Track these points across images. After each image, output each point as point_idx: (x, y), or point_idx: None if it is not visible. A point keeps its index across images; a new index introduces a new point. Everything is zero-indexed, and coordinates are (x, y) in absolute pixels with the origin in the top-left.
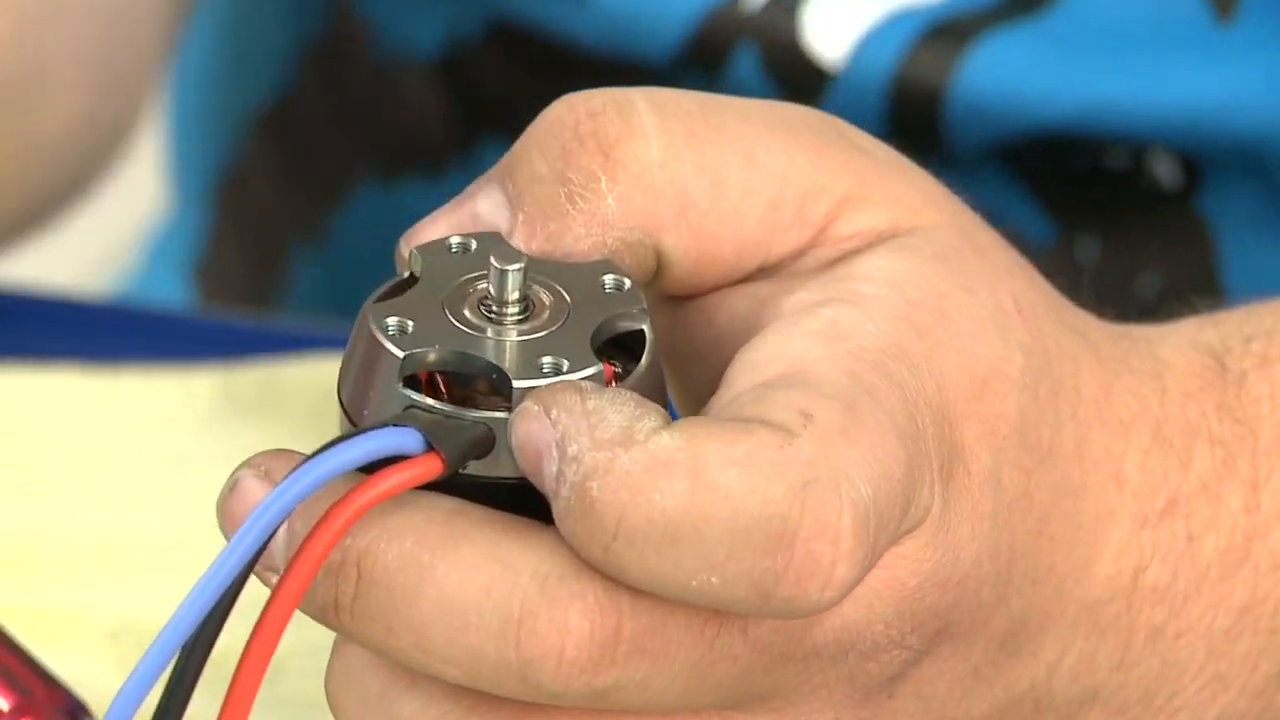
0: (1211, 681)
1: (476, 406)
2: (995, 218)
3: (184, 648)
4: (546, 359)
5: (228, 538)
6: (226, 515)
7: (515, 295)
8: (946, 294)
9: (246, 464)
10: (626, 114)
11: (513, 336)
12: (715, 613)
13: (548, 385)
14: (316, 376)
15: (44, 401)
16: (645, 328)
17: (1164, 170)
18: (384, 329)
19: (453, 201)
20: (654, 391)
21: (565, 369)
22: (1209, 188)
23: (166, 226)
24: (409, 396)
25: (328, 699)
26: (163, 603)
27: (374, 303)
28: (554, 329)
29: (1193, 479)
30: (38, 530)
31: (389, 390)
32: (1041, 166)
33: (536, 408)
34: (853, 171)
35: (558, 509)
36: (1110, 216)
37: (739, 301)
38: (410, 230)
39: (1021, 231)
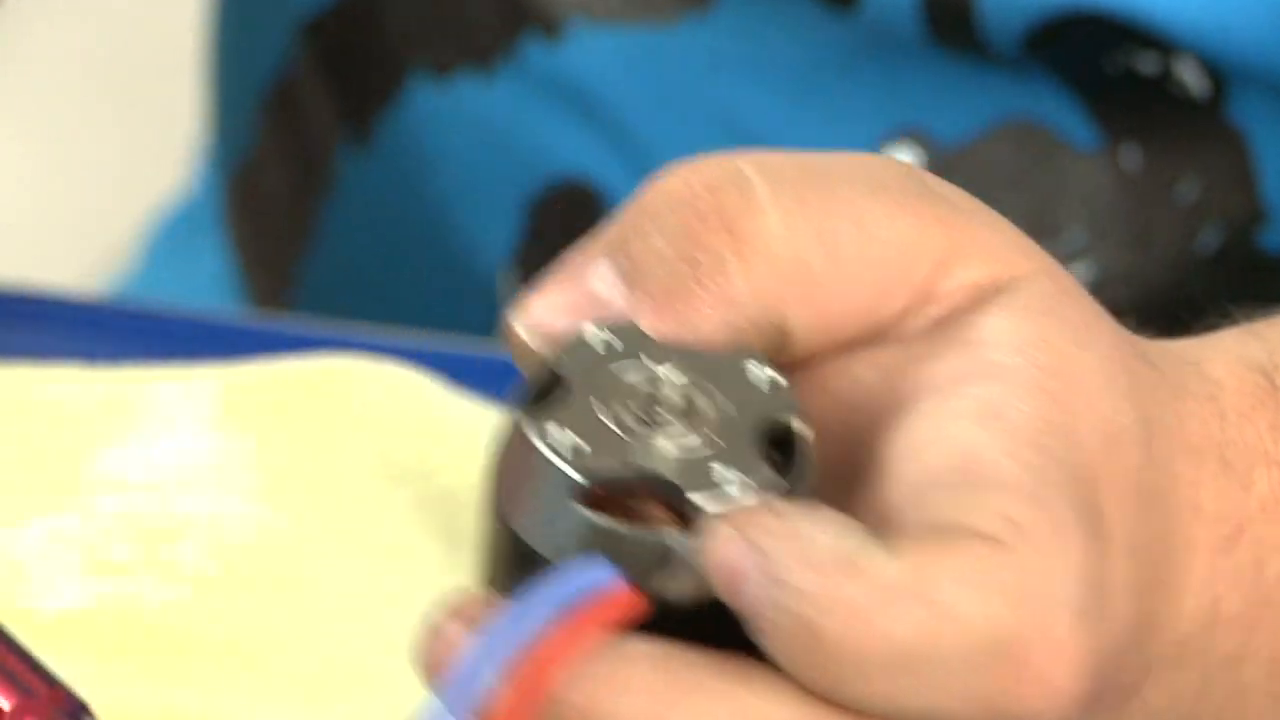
0: (1274, 703)
1: (645, 520)
2: (1041, 124)
3: None
4: (722, 473)
5: (432, 688)
6: (430, 664)
7: (676, 401)
8: (1066, 354)
9: (445, 609)
10: (743, 187)
11: (678, 447)
12: None
13: (736, 506)
14: (319, 378)
15: (44, 401)
16: (801, 425)
17: (1192, 78)
18: (553, 446)
19: (559, 275)
20: (813, 489)
21: (741, 483)
22: (1237, 98)
23: (209, 152)
24: (589, 520)
25: None
26: None
27: (531, 413)
28: (718, 436)
29: (1254, 502)
30: (43, 529)
31: (564, 511)
32: (1081, 68)
33: (732, 531)
34: (947, 226)
35: (772, 635)
36: (1148, 124)
37: (860, 371)
38: (520, 306)
39: (1067, 138)
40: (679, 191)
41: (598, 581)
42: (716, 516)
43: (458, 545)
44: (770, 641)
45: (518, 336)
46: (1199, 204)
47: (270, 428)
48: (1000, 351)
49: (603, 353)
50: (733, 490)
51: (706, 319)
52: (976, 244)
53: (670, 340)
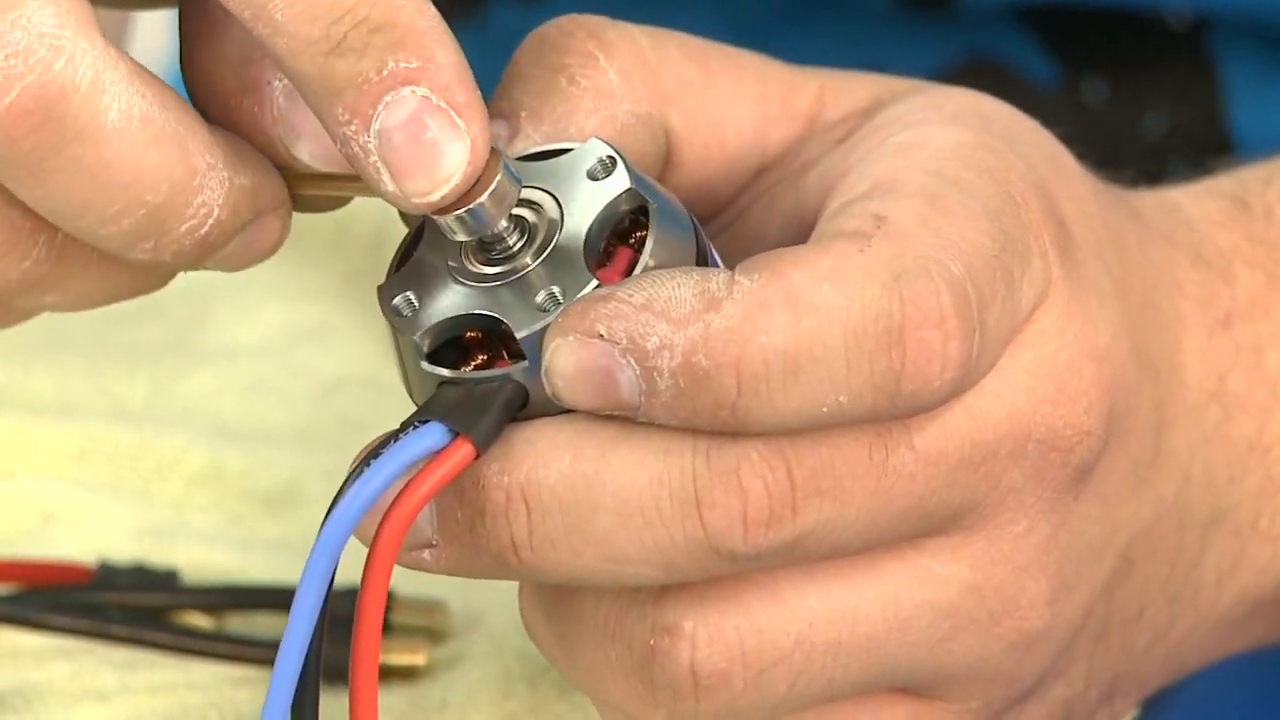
0: None
1: (510, 355)
2: (1000, 62)
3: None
4: (541, 294)
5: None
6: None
7: (503, 228)
8: (982, 107)
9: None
10: (606, 18)
11: (513, 275)
12: (878, 434)
13: (575, 308)
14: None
15: None
16: (641, 201)
17: (1173, 14)
18: (394, 311)
19: None
20: (685, 252)
21: (562, 298)
22: (1218, 30)
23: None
24: (436, 374)
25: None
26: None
27: (385, 282)
28: (549, 253)
29: (1242, 296)
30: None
31: (419, 370)
32: (1049, 13)
33: (572, 338)
34: (819, 73)
35: (662, 404)
36: (1118, 56)
37: (795, 198)
38: None
39: (1027, 75)
40: (543, 32)
41: (428, 447)
42: (531, 338)
43: None
44: (664, 413)
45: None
46: (1167, 137)
47: (289, 268)
48: (913, 114)
49: None
50: (550, 306)
51: (588, 113)
52: (852, 79)
53: (546, 140)
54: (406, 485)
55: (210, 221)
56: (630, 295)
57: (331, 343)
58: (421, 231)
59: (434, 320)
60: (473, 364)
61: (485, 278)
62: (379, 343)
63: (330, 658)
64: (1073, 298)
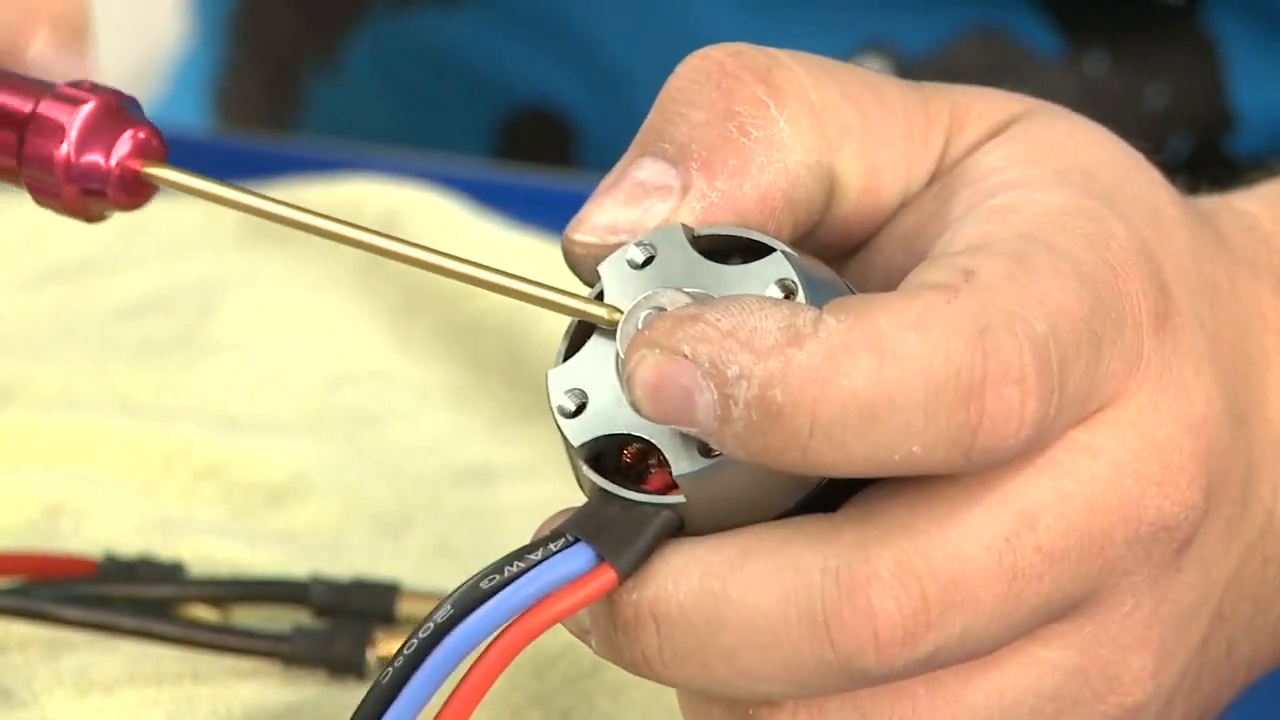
0: None
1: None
2: (1006, 34)
3: None
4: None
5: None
6: None
7: None
8: (1079, 154)
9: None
10: (765, 51)
11: None
12: (1007, 540)
13: (664, 322)
14: (338, 197)
15: (70, 226)
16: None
17: None
18: (562, 409)
19: (607, 182)
20: None
21: None
22: (1215, 5)
23: (187, 55)
24: (595, 483)
25: None
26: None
27: (555, 368)
28: None
29: None
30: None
31: (580, 469)
32: None
33: (658, 351)
34: (947, 98)
35: (734, 433)
36: (1119, 30)
37: (896, 255)
38: (576, 219)
39: (1031, 46)
40: (703, 66)
41: (570, 573)
42: (687, 479)
43: (485, 370)
44: (734, 443)
45: (574, 248)
46: (1168, 110)
47: (295, 250)
48: (1009, 171)
49: (640, 263)
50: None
51: (761, 167)
52: (976, 105)
53: (724, 198)
54: (539, 601)
55: None
56: (718, 320)
57: (339, 335)
58: (589, 326)
59: (596, 433)
60: (648, 467)
61: None
62: (386, 335)
63: (339, 651)
64: (1167, 369)
